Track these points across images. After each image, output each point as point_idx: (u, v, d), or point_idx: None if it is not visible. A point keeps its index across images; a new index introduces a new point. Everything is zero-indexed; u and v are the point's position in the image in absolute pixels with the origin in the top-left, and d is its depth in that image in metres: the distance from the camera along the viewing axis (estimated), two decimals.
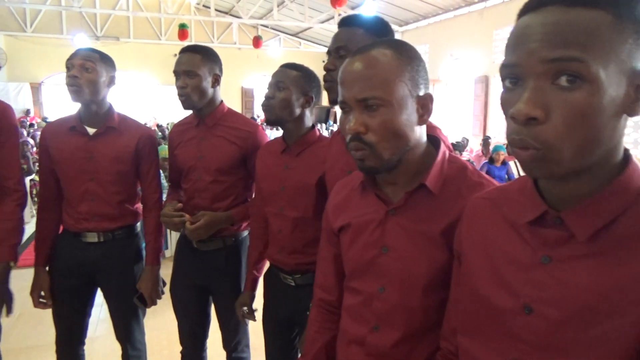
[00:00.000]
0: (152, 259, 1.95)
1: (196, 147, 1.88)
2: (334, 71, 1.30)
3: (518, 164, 5.58)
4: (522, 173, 5.01)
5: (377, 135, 0.90)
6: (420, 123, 0.94)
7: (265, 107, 1.62)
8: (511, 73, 0.62)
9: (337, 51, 1.30)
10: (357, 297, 1.03)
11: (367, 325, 1.00)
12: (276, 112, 1.60)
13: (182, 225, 1.80)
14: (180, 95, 1.81)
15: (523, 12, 0.62)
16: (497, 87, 8.85)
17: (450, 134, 10.03)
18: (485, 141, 7.98)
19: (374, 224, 0.99)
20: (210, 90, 1.85)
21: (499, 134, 9.06)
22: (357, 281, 1.03)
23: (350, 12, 11.18)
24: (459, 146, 8.16)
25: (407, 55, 0.92)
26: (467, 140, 9.02)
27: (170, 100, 12.39)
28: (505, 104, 0.63)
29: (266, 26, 14.94)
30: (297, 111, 1.62)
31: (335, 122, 12.91)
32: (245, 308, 1.85)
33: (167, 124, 11.83)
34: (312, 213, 1.58)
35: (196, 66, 1.79)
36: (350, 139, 0.92)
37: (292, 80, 1.60)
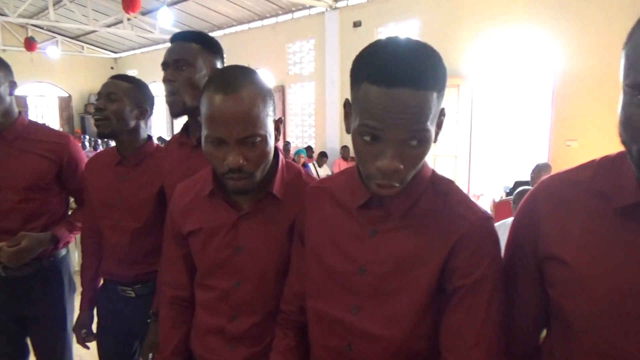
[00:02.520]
0: None
1: None
2: (174, 82, 1.34)
3: (316, 164, 6.16)
4: (321, 174, 5.56)
5: (255, 165, 1.01)
6: (275, 142, 1.08)
7: (97, 119, 1.56)
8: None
9: (177, 64, 1.34)
10: (212, 293, 1.13)
11: (224, 317, 1.12)
12: (110, 125, 1.55)
13: None
14: None
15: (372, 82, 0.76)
16: (292, 96, 9.58)
17: None
18: (285, 146, 8.57)
19: (226, 228, 1.10)
20: (7, 99, 1.66)
21: (297, 139, 9.82)
22: (211, 279, 1.13)
23: (143, 18, 10.68)
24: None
25: (267, 90, 1.03)
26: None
27: None
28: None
29: (39, 27, 13.11)
30: (132, 123, 1.59)
31: None
32: (84, 330, 1.73)
33: None
34: (153, 223, 1.58)
35: None
36: (229, 171, 1.00)
37: (124, 92, 1.57)
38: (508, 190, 5.60)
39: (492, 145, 7.25)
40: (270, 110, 1.02)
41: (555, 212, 0.80)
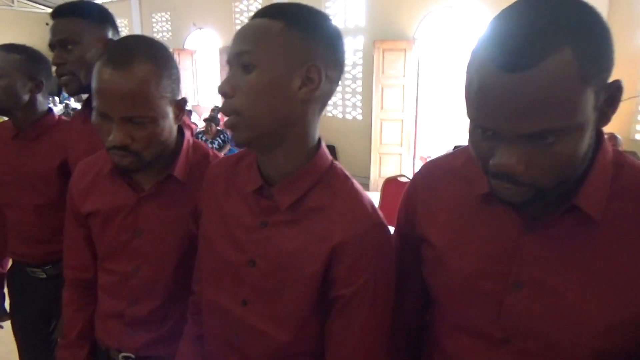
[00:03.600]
0: None
1: None
2: (64, 65, 1.26)
3: None
4: None
5: (142, 145, 0.96)
6: (176, 123, 1.03)
7: None
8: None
9: (63, 44, 1.25)
10: (112, 277, 1.10)
11: (124, 301, 1.09)
12: None
13: None
14: None
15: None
16: None
17: (203, 105, 10.15)
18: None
19: (126, 210, 1.06)
20: (23, 97, 1.50)
21: None
22: (111, 262, 1.10)
23: None
24: (214, 119, 8.30)
25: (165, 66, 0.97)
26: (218, 109, 9.26)
27: None
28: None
29: None
30: (26, 97, 1.49)
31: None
32: None
33: None
34: (58, 199, 1.50)
35: None
36: (112, 147, 0.95)
37: (13, 66, 1.45)
38: None
39: (438, 108, 7.37)
40: (166, 89, 0.96)
41: (428, 196, 0.82)
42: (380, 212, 0.84)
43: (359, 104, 7.64)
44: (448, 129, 7.31)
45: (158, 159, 1.03)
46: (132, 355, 1.11)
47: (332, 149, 7.89)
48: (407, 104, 6.74)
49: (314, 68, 0.76)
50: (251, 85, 0.75)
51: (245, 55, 0.75)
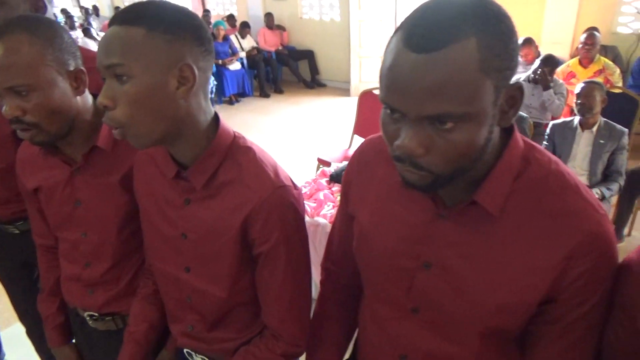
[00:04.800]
0: None
1: None
2: None
3: (239, 36, 5.77)
4: (245, 46, 5.18)
5: (36, 117, 0.96)
6: (75, 94, 1.01)
7: None
8: None
9: None
10: (65, 244, 1.19)
11: (79, 264, 1.18)
12: None
13: None
14: None
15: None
16: None
17: None
18: (205, 16, 7.90)
19: (62, 184, 1.11)
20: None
21: (217, 6, 9.05)
22: (61, 231, 1.17)
23: None
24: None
25: (44, 37, 0.94)
26: None
27: None
28: None
29: None
30: None
31: None
32: None
33: None
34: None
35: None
36: (11, 121, 0.96)
37: None
38: None
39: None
40: (49, 58, 0.95)
41: (361, 175, 0.86)
42: (283, 174, 0.93)
43: (336, 3, 7.24)
44: None
45: (77, 131, 1.04)
46: (95, 314, 1.21)
47: (310, 53, 7.63)
48: (384, 40, 6.38)
49: (186, 67, 0.78)
50: (129, 96, 0.76)
51: (117, 68, 0.75)
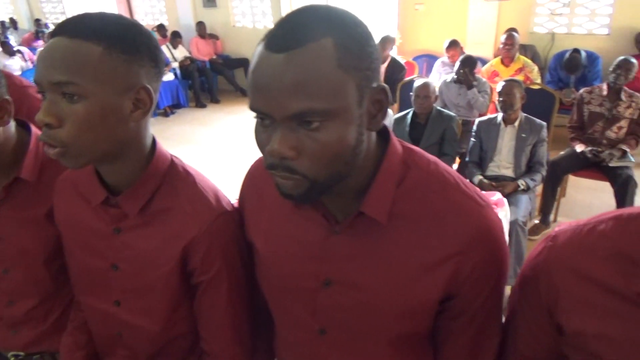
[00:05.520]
0: None
1: None
2: None
3: (171, 46, 5.56)
4: (177, 56, 5.02)
5: None
6: (1, 124, 0.94)
7: None
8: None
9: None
10: None
11: (1, 303, 1.08)
12: None
13: None
14: None
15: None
16: None
17: None
18: None
19: None
20: None
21: (146, 16, 8.78)
22: None
23: None
24: None
25: None
26: None
27: None
28: None
29: None
30: None
31: None
32: None
33: None
34: None
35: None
36: None
37: None
38: None
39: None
40: None
41: (251, 199, 0.85)
42: (225, 199, 0.89)
43: (268, 10, 7.24)
44: None
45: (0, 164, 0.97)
46: (21, 353, 1.12)
47: (245, 62, 7.55)
48: None
49: (143, 90, 0.75)
50: (79, 116, 0.71)
51: (68, 86, 0.69)
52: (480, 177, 2.94)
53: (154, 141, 0.86)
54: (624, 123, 3.16)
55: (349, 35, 0.58)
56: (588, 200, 3.64)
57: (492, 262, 0.70)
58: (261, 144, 0.63)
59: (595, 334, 0.62)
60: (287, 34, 0.56)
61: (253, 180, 0.86)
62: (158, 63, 0.78)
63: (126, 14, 8.71)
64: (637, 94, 3.19)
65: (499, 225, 0.72)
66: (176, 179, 0.86)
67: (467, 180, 0.74)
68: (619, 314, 0.60)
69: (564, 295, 0.65)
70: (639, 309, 0.58)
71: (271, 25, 5.40)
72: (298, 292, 0.77)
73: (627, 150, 3.10)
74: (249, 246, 0.88)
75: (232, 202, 0.92)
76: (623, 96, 3.16)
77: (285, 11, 6.50)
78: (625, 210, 0.63)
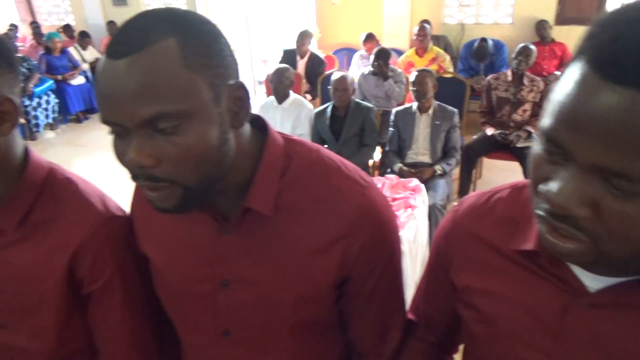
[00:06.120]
0: None
1: None
2: None
3: (79, 47, 5.29)
4: (87, 57, 4.81)
5: None
6: None
7: None
8: None
9: None
10: None
11: None
12: None
13: None
14: None
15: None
16: None
17: None
18: (35, 29, 7.09)
19: None
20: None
21: (49, 16, 8.19)
22: None
23: None
24: (11, 35, 7.02)
25: None
26: (16, 26, 7.77)
27: None
28: None
29: None
30: None
31: None
32: None
33: None
34: None
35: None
36: None
37: None
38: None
39: (267, 11, 7.11)
40: None
41: (141, 209, 0.82)
42: (113, 204, 0.84)
43: (183, 7, 7.00)
44: (280, 31, 7.15)
45: None
46: None
47: None
48: (235, 4, 6.35)
49: (7, 102, 0.71)
50: None
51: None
52: (400, 164, 3.02)
53: (27, 151, 0.80)
54: (527, 106, 3.38)
55: (194, 34, 0.56)
56: (502, 180, 3.78)
57: (380, 240, 0.72)
58: (120, 156, 0.59)
59: (478, 289, 0.66)
60: (126, 39, 0.54)
61: (140, 190, 0.81)
62: (13, 66, 0.73)
63: (26, 15, 8.09)
64: (537, 78, 3.43)
65: (384, 204, 0.73)
66: (56, 187, 0.81)
67: (350, 163, 0.75)
68: (499, 270, 0.64)
69: (458, 255, 0.70)
70: (514, 265, 0.62)
71: None
72: (196, 296, 0.75)
73: (532, 131, 3.31)
74: (143, 256, 0.83)
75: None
76: (525, 81, 3.37)
77: (201, 10, 6.32)
78: (521, 181, 0.69)
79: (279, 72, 3.20)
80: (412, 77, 3.03)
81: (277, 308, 0.72)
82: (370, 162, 3.28)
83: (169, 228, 0.76)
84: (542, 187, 0.46)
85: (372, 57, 3.88)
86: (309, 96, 4.55)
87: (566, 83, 0.44)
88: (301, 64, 4.79)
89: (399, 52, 5.22)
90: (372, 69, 3.90)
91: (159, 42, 0.54)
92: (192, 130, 0.56)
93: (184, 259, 0.74)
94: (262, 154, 0.68)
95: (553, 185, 0.44)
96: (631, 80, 0.39)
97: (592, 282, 0.55)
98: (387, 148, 3.22)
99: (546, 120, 0.45)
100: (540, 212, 0.48)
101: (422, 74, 2.98)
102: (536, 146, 0.48)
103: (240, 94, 0.61)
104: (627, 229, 0.43)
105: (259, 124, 0.71)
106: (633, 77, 0.39)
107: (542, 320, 0.58)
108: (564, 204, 0.43)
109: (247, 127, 0.67)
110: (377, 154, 3.43)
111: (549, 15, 5.13)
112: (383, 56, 3.82)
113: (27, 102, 5.33)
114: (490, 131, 3.40)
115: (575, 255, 0.47)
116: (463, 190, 3.42)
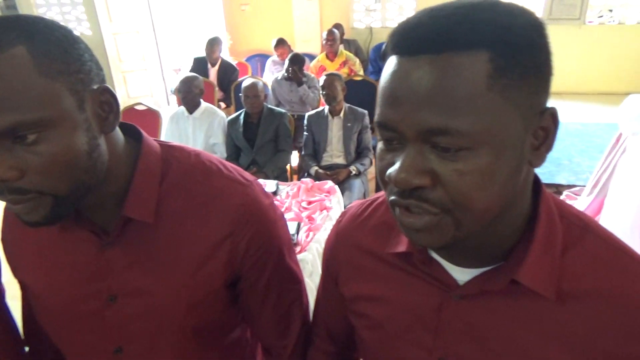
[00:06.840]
0: None
1: None
2: None
3: None
4: None
5: None
6: None
7: None
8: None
9: None
10: None
11: None
12: None
13: None
14: None
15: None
16: None
17: None
18: None
19: None
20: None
21: None
22: None
23: None
24: None
25: None
26: None
27: None
28: None
29: None
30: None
31: None
32: None
33: None
34: None
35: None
36: None
37: None
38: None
39: (175, 18, 6.91)
40: None
41: (13, 232, 0.76)
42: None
43: (83, 16, 6.59)
44: (189, 39, 6.97)
45: None
46: None
47: None
48: (140, 15, 6.09)
49: None
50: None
51: None
52: (316, 167, 3.05)
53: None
54: None
55: (46, 40, 0.54)
56: None
57: (266, 235, 0.73)
58: None
59: (366, 296, 0.67)
60: None
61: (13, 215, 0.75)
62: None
63: None
64: None
65: (267, 201, 0.74)
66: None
67: (230, 164, 0.76)
68: (380, 276, 0.65)
69: (344, 266, 0.71)
70: (392, 268, 0.64)
71: (89, 32, 4.88)
72: (83, 316, 0.71)
73: None
74: (20, 284, 0.77)
75: None
76: None
77: (102, 17, 5.99)
78: None
79: (186, 81, 3.11)
80: (321, 81, 3.08)
81: (169, 316, 0.70)
82: (288, 166, 3.28)
83: (45, 250, 0.72)
84: (387, 174, 0.48)
85: (286, 63, 3.89)
86: (222, 104, 4.48)
87: (383, 76, 0.49)
88: (213, 72, 4.70)
89: (311, 57, 5.29)
90: (285, 74, 3.91)
91: (7, 51, 0.52)
92: (57, 138, 0.54)
93: (66, 278, 0.70)
94: (137, 161, 0.66)
95: (394, 167, 0.47)
96: (419, 49, 0.45)
97: (461, 275, 0.57)
98: (302, 152, 3.24)
99: (376, 111, 0.50)
100: (392, 197, 0.49)
101: (331, 77, 3.04)
102: (378, 143, 0.52)
103: (107, 99, 0.60)
104: (465, 187, 0.45)
105: (134, 133, 0.69)
106: (419, 46, 0.45)
107: (423, 318, 0.60)
108: (404, 176, 0.46)
109: (120, 135, 0.65)
110: (295, 159, 3.44)
111: None
112: (298, 62, 3.85)
113: None
114: None
115: (429, 230, 0.48)
116: (379, 188, 3.53)
